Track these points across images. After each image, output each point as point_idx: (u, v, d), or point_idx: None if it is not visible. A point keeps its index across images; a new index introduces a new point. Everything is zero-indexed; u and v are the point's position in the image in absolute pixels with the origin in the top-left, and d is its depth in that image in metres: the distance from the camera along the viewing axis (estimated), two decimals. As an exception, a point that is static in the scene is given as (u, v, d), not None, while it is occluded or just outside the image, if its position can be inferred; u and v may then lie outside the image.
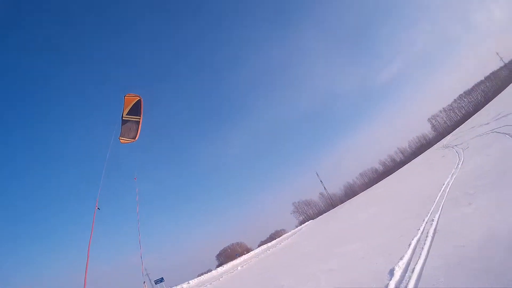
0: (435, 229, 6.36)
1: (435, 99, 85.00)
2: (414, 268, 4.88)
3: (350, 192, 70.78)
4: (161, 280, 35.19)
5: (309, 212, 75.15)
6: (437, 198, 9.30)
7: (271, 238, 65.08)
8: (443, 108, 66.93)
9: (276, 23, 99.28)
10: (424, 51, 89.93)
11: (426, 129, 69.47)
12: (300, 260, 12.43)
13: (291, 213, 75.90)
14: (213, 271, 29.02)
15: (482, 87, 60.57)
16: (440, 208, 7.83)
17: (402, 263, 5.34)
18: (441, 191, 10.05)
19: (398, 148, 72.06)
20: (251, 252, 53.20)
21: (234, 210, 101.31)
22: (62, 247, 70.69)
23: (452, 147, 24.20)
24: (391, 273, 5.10)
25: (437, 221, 6.84)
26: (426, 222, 7.27)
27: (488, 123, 21.49)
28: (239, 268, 23.81)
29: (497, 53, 58.85)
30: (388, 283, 4.74)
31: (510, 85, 43.48)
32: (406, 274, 4.84)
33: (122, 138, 6.61)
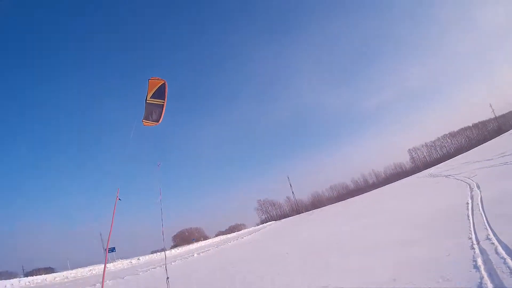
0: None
1: (418, 133, 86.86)
2: None
3: (317, 202, 70.67)
4: (113, 249, 31.31)
5: (273, 212, 74.54)
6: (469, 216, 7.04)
7: (230, 230, 63.41)
8: (425, 143, 68.65)
9: (272, 33, 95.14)
10: (418, 87, 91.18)
11: (404, 159, 71.02)
12: (273, 258, 10.10)
13: (254, 210, 74.69)
14: (167, 251, 26.86)
15: (468, 133, 62.62)
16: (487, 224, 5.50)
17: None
18: (469, 209, 7.93)
19: (372, 170, 72.44)
20: (208, 239, 50.62)
21: (197, 194, 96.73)
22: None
23: (446, 176, 23.08)
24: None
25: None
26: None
27: (491, 159, 20.53)
28: (195, 254, 21.34)
29: (490, 105, 60.45)
30: None
31: (499, 136, 44.59)
32: None
33: (146, 121, 6.74)
